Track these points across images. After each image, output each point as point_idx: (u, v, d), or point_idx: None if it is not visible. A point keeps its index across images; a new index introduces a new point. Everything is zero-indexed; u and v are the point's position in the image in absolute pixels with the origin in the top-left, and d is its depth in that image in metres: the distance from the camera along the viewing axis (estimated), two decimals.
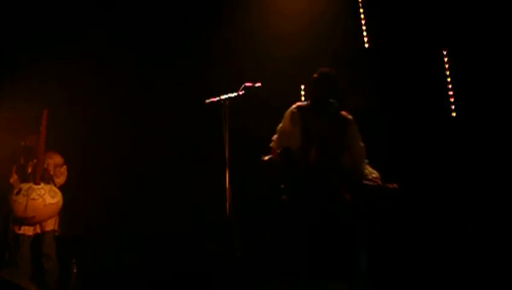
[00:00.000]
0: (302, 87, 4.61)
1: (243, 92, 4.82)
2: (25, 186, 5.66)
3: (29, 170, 5.76)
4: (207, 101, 4.77)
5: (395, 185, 4.52)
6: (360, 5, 6.29)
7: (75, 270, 5.41)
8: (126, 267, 6.14)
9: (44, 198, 5.61)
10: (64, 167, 5.88)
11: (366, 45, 6.26)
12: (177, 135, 6.41)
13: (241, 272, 4.69)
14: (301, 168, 4.49)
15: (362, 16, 6.28)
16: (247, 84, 4.87)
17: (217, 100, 4.74)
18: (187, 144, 6.38)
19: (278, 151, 4.53)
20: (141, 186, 6.38)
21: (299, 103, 4.75)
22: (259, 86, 4.93)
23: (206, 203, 5.98)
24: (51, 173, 5.78)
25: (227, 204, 4.52)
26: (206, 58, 6.46)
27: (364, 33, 6.31)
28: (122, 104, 6.43)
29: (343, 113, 4.66)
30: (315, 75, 4.67)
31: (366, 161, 4.64)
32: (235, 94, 4.78)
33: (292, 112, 4.68)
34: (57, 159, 5.88)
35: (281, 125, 4.75)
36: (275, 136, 4.77)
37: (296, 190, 4.50)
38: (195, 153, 6.33)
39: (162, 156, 6.39)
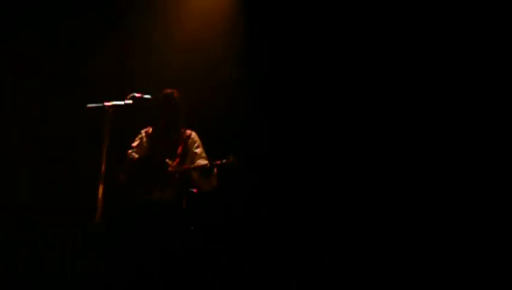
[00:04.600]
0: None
1: (131, 101, 4.67)
2: None
3: None
4: (89, 105, 4.54)
5: (227, 160, 4.75)
6: None
7: None
8: None
9: None
10: None
11: None
12: (57, 139, 6.11)
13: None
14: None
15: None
16: (137, 94, 4.73)
17: (100, 106, 4.51)
18: (66, 147, 6.10)
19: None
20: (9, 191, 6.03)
21: (147, 128, 5.13)
22: (148, 98, 4.82)
23: (77, 211, 5.68)
24: None
25: (98, 214, 4.33)
26: (99, 62, 6.20)
27: None
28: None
29: (187, 131, 5.09)
30: (159, 98, 4.95)
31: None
32: (122, 103, 4.60)
33: (141, 135, 5.10)
34: None
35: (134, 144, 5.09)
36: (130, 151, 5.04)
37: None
38: (72, 158, 6.07)
39: (38, 157, 6.09)
